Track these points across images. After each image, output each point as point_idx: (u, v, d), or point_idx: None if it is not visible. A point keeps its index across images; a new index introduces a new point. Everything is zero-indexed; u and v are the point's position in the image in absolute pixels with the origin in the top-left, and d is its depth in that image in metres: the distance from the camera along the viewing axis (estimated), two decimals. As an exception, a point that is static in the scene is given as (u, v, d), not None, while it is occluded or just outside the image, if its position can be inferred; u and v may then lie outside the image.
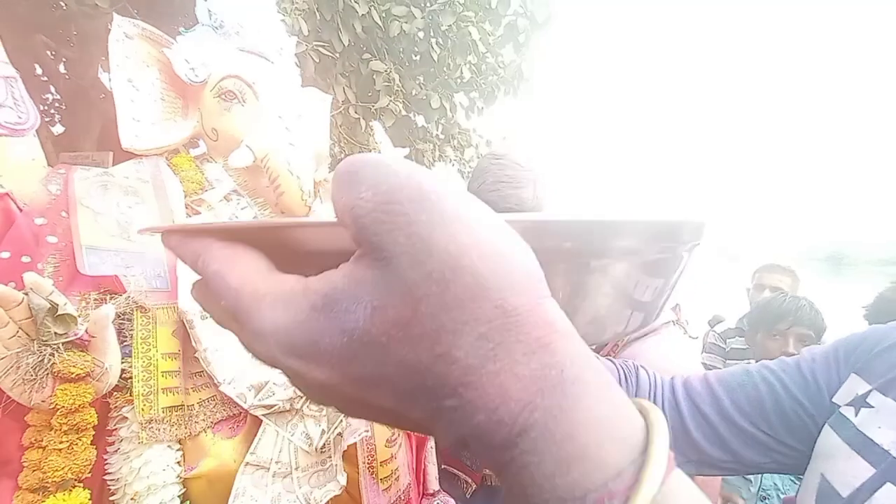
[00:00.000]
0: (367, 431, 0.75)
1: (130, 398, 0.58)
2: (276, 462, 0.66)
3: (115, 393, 0.58)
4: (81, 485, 0.49)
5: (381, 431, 0.80)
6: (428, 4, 2.92)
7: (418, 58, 3.08)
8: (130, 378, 0.58)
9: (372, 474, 0.80)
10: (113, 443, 0.58)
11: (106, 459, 0.57)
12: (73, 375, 0.47)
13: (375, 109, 2.81)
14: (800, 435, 0.55)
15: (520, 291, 0.15)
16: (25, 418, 0.49)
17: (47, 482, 0.46)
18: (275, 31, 0.87)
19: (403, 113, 2.98)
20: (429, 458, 1.04)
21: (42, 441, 0.50)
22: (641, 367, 0.69)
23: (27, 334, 0.46)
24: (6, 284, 0.55)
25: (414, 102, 3.07)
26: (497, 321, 0.15)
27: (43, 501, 0.47)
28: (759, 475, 1.34)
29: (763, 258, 2.37)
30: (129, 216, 0.64)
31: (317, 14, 2.54)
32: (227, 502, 0.60)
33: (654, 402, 0.61)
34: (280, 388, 0.66)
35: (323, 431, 0.70)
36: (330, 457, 0.71)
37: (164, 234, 0.20)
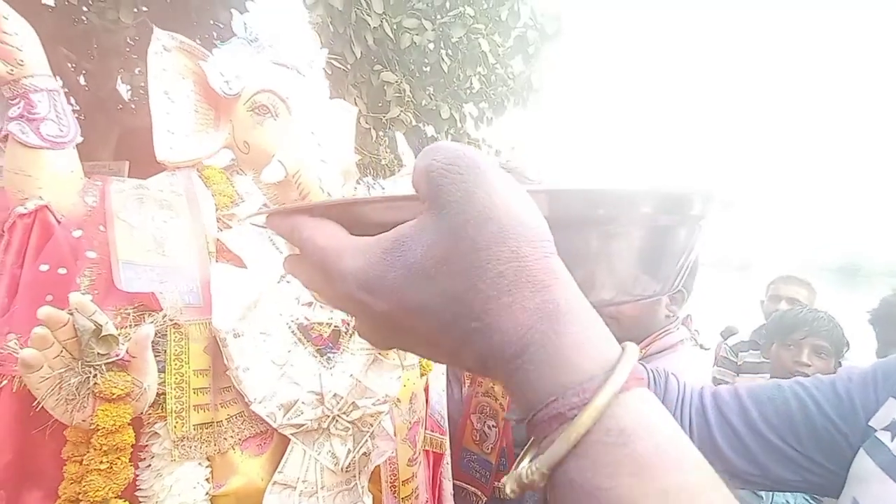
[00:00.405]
0: (392, 452, 0.74)
1: (162, 414, 0.58)
2: (303, 481, 0.65)
3: (147, 409, 0.57)
4: (121, 500, 0.49)
5: (404, 451, 0.80)
6: (439, 17, 2.95)
7: (429, 69, 3.11)
8: (162, 394, 0.58)
9: (394, 493, 0.79)
10: (144, 458, 0.57)
11: (137, 475, 0.56)
12: (113, 396, 0.47)
13: (386, 120, 2.83)
14: (831, 454, 0.54)
15: (531, 244, 0.20)
16: (64, 433, 0.49)
17: (86, 500, 0.45)
18: (306, 43, 0.88)
19: (414, 123, 3.00)
20: (444, 474, 1.03)
21: (79, 455, 0.49)
22: (672, 374, 0.68)
23: (70, 354, 0.46)
24: (44, 297, 0.55)
25: (424, 113, 3.10)
26: (513, 263, 0.19)
27: None
28: (770, 493, 1.32)
29: (775, 269, 2.37)
30: (164, 231, 0.64)
31: (330, 27, 2.57)
32: (254, 522, 0.60)
33: (682, 410, 0.63)
34: (308, 407, 0.66)
35: (349, 451, 0.69)
36: (355, 476, 0.70)
37: (267, 217, 0.27)
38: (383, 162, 3.12)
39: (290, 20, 0.89)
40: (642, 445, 0.18)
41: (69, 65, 3.00)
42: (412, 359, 0.85)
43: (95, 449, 0.46)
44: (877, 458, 0.50)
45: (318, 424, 0.67)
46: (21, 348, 0.50)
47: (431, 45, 2.93)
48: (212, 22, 2.99)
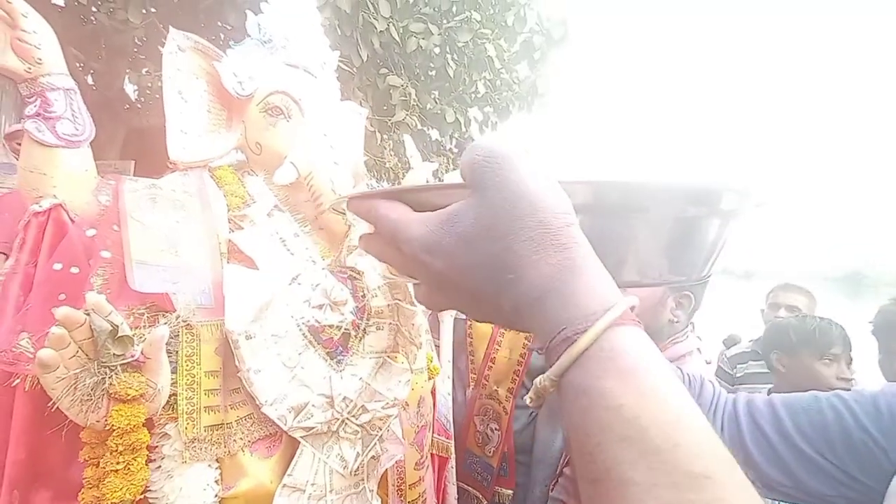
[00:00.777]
0: (401, 456, 0.74)
1: (173, 415, 0.58)
2: (312, 484, 0.65)
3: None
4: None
5: (412, 455, 0.79)
6: (445, 21, 2.96)
7: (434, 73, 3.12)
8: (173, 395, 0.58)
9: (401, 497, 0.79)
10: (154, 459, 0.57)
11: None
12: (129, 397, 0.46)
13: (391, 123, 2.84)
14: (870, 469, 0.53)
15: (555, 216, 0.26)
16: (80, 435, 0.48)
17: (105, 502, 0.45)
18: (319, 44, 0.88)
19: (419, 127, 3.01)
20: (449, 478, 1.02)
21: (96, 457, 0.49)
22: (709, 381, 0.68)
23: (86, 354, 0.45)
24: (57, 296, 0.55)
25: (429, 117, 3.11)
26: (539, 230, 0.25)
27: None
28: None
29: (778, 277, 2.36)
30: (177, 231, 0.64)
31: (337, 30, 2.58)
32: (263, 524, 0.59)
33: (714, 415, 0.64)
34: (318, 410, 0.66)
35: (358, 454, 0.69)
36: (363, 479, 0.70)
37: (349, 200, 0.33)
38: (388, 165, 3.13)
39: (303, 22, 0.89)
40: (625, 360, 0.23)
41: (77, 64, 3.03)
42: (420, 362, 0.85)
43: (112, 450, 0.46)
44: None
45: (328, 427, 0.67)
46: (33, 347, 0.50)
47: (437, 50, 2.94)
48: (220, 24, 3.01)
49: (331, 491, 0.66)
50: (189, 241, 0.65)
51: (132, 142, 3.16)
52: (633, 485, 0.20)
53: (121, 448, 0.46)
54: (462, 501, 1.09)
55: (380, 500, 0.71)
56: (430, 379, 0.91)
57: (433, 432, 0.92)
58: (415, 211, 0.30)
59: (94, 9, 2.74)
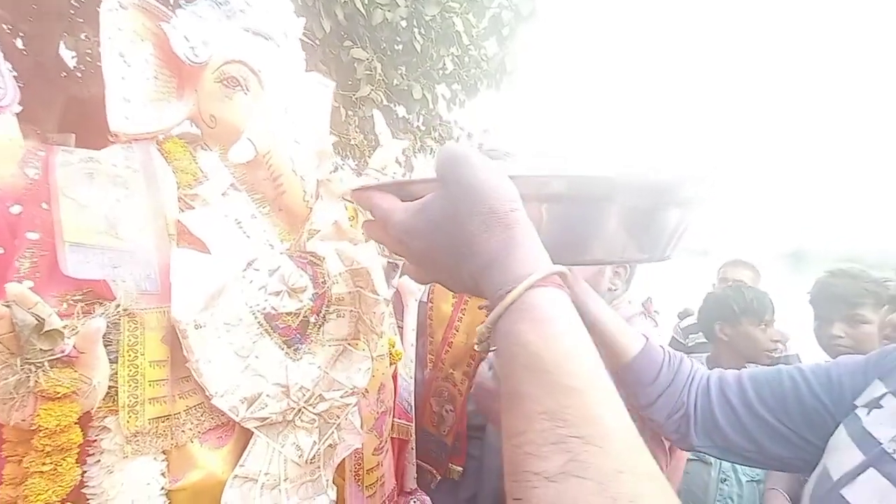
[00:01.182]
0: (358, 445, 0.74)
1: (114, 408, 0.54)
2: (266, 474, 0.64)
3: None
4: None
5: (370, 441, 0.80)
6: (412, -8, 2.82)
7: (401, 47, 2.99)
8: (114, 386, 0.55)
9: (358, 482, 0.79)
10: (93, 454, 0.54)
11: (84, 472, 0.53)
12: (58, 395, 0.43)
13: (356, 98, 2.72)
14: (820, 432, 0.58)
15: (501, 202, 0.32)
16: (1, 432, 0.45)
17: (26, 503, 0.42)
18: (282, 10, 0.81)
19: (385, 103, 2.90)
20: (408, 458, 1.04)
21: (17, 455, 0.46)
22: (688, 357, 0.75)
23: (8, 350, 0.42)
24: (-23, 280, 0.50)
25: (395, 93, 2.99)
26: (488, 214, 0.31)
27: None
28: (718, 461, 1.42)
29: (732, 254, 2.51)
30: (117, 210, 0.59)
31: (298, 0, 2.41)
32: (212, 516, 0.58)
33: (689, 389, 0.70)
34: (273, 399, 0.64)
35: (314, 443, 0.68)
36: (319, 467, 0.70)
37: (352, 192, 0.43)
38: (353, 142, 3.01)
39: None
40: (538, 312, 0.29)
41: (4, 26, 2.71)
42: (382, 349, 0.84)
43: (37, 450, 0.43)
44: (849, 429, 0.55)
45: (283, 417, 0.66)
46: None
47: (404, 23, 2.79)
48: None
49: (285, 479, 0.66)
50: (132, 222, 0.60)
51: (72, 113, 2.86)
52: (526, 396, 0.27)
53: (48, 449, 0.43)
54: (417, 476, 1.12)
55: (336, 487, 0.71)
56: (391, 364, 0.91)
57: (394, 416, 0.92)
58: (402, 201, 0.37)
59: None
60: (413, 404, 1.02)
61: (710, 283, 2.44)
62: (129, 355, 0.55)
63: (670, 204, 0.42)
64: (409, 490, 1.04)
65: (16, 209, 0.54)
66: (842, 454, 0.53)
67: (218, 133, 0.73)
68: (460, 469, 1.15)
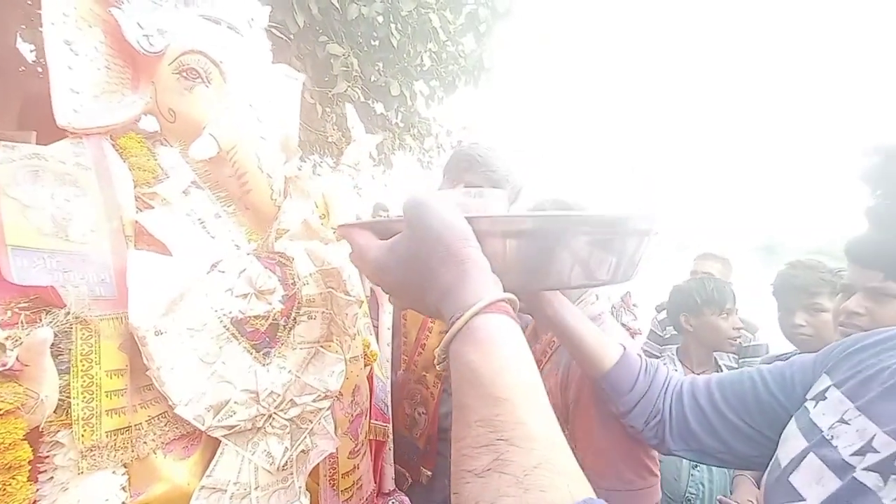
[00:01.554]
0: (332, 450, 0.72)
1: (67, 421, 0.51)
2: (235, 483, 0.62)
3: (49, 415, 0.50)
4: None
5: (346, 444, 0.78)
6: (388, -12, 2.76)
7: (377, 43, 2.93)
8: (67, 399, 0.51)
9: (333, 486, 0.78)
10: (45, 471, 0.51)
11: (37, 490, 0.50)
12: (1, 411, 0.40)
13: (332, 95, 2.65)
14: (778, 428, 0.60)
15: (456, 241, 0.37)
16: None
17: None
18: (246, -2, 0.77)
19: (362, 99, 2.84)
20: (386, 459, 1.03)
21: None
22: (664, 365, 0.79)
23: (-58, 364, 0.38)
24: None
25: (373, 89, 2.94)
26: (444, 252, 0.37)
27: None
28: (688, 477, 1.48)
29: (706, 248, 2.60)
30: (67, 210, 0.55)
31: (270, -8, 2.32)
32: (178, 530, 0.56)
33: (665, 394, 0.73)
34: (242, 406, 0.62)
35: (286, 449, 0.66)
36: (292, 474, 0.68)
37: (338, 227, 0.53)
38: (330, 139, 2.94)
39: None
40: (481, 334, 0.34)
41: None
42: (356, 350, 0.82)
43: (-20, 472, 0.40)
44: (799, 422, 0.57)
45: (253, 424, 0.63)
46: None
47: (380, 18, 2.74)
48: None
49: (256, 488, 0.64)
50: (84, 223, 0.57)
51: (32, 109, 2.66)
52: (467, 407, 0.32)
53: (-7, 470, 0.40)
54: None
55: (310, 493, 0.69)
56: (367, 365, 0.89)
57: (371, 418, 0.91)
58: (379, 236, 0.44)
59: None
60: (390, 405, 1.01)
61: (686, 276, 2.51)
62: (83, 365, 0.52)
63: (626, 234, 0.47)
64: (387, 491, 1.03)
65: (-51, 211, 0.49)
66: (790, 444, 0.56)
67: (178, 128, 0.69)
68: (429, 473, 1.14)
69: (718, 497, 1.27)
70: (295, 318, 0.70)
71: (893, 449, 0.44)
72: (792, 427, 0.58)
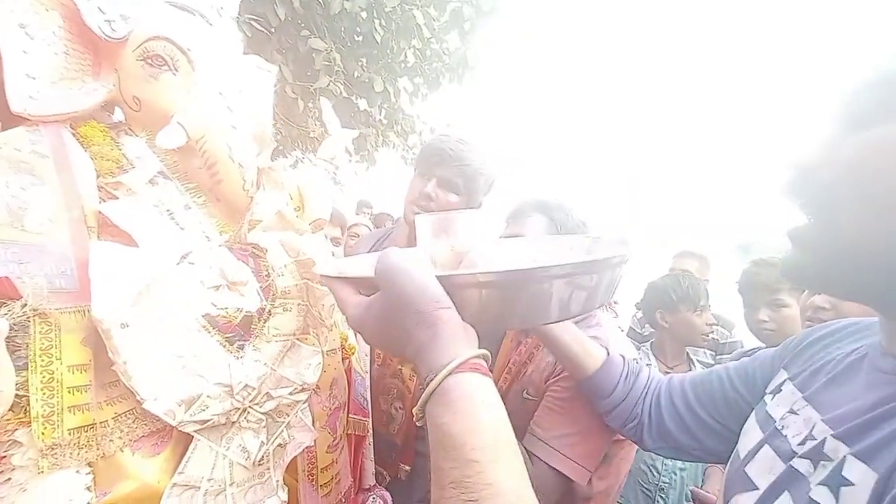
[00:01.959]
0: (310, 442, 0.71)
1: (25, 419, 0.49)
2: (209, 480, 0.60)
3: (4, 414, 0.48)
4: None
5: (324, 438, 0.77)
6: (371, -17, 2.74)
7: (361, 38, 2.90)
8: (25, 396, 0.49)
9: (311, 481, 0.77)
10: (2, 471, 0.48)
11: (-8, 493, 0.47)
12: (-49, 406, 0.38)
13: (314, 90, 2.61)
14: (742, 422, 0.62)
15: (427, 303, 0.39)
16: None
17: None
18: (214, -14, 0.76)
19: (345, 95, 2.81)
20: (366, 454, 1.02)
21: None
22: (647, 366, 0.82)
23: None
24: None
25: (356, 85, 2.91)
26: (416, 316, 0.39)
27: None
28: (661, 467, 1.52)
29: (687, 246, 2.64)
30: (22, 199, 0.52)
31: (249, -15, 2.28)
32: (148, 530, 0.54)
33: (646, 396, 0.76)
34: (215, 400, 0.60)
35: (262, 443, 0.65)
36: (269, 468, 0.66)
37: (321, 276, 0.54)
38: (312, 135, 2.90)
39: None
40: (452, 395, 0.36)
41: None
42: (333, 343, 0.81)
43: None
44: (758, 415, 0.59)
45: (227, 418, 0.62)
46: None
47: (364, 14, 2.71)
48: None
49: (231, 484, 0.62)
50: (41, 213, 0.54)
51: None
52: (440, 469, 0.34)
53: (-58, 469, 0.38)
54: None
55: (287, 488, 0.68)
56: (345, 359, 0.88)
57: (349, 413, 0.90)
58: (359, 291, 0.47)
59: None
60: (369, 399, 1.00)
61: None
62: (43, 360, 0.50)
63: (603, 270, 0.47)
64: (367, 487, 1.02)
65: None
66: (749, 436, 0.58)
67: (143, 117, 0.67)
68: (408, 469, 1.13)
69: (691, 488, 1.31)
70: (270, 311, 0.69)
71: (825, 436, 0.45)
72: (751, 420, 0.60)
